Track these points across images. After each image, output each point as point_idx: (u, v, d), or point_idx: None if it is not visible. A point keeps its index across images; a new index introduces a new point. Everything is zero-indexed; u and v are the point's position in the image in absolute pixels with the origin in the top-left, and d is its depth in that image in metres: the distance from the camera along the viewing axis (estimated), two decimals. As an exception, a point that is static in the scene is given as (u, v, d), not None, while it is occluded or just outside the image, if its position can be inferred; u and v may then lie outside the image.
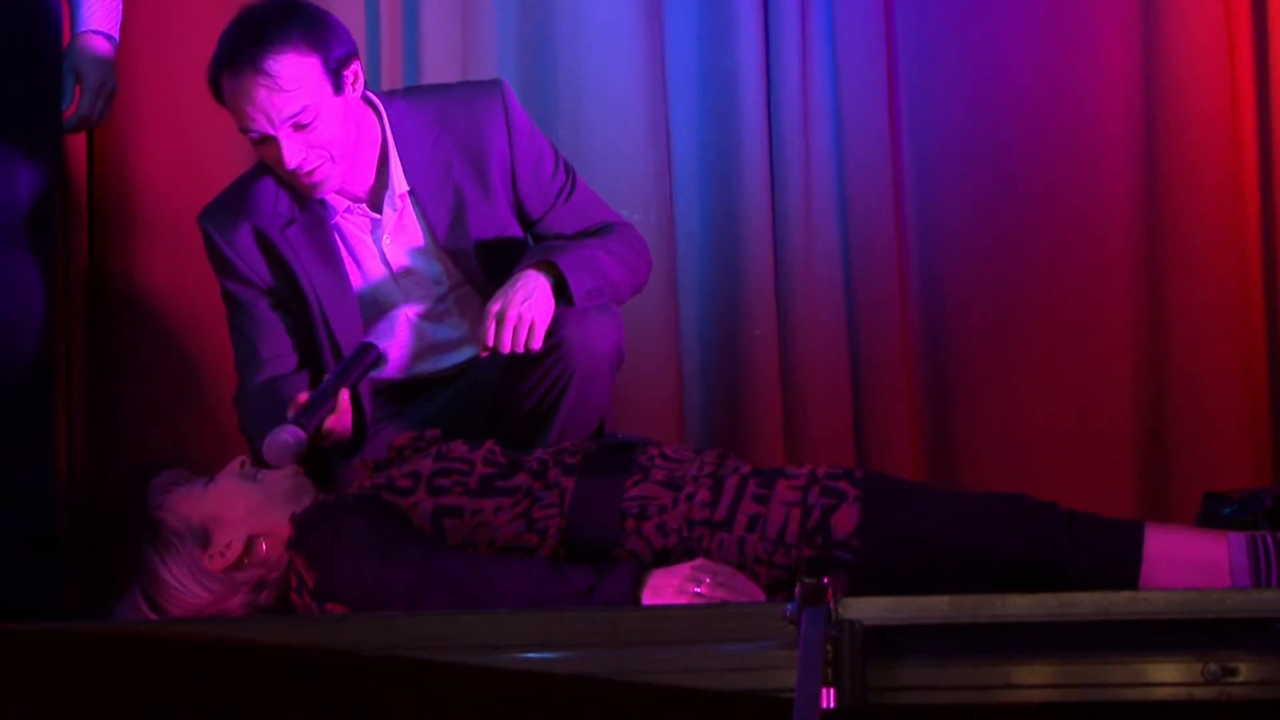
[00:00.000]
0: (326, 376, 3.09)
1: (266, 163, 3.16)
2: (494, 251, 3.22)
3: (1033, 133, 3.93)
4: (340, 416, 3.05)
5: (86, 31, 3.30)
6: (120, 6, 3.36)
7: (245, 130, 3.09)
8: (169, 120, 3.85)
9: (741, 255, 3.92)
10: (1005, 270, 3.93)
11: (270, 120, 3.05)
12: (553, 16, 3.99)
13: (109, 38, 3.33)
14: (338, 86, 3.10)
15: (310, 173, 3.10)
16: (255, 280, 3.23)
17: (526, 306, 3.00)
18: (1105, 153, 3.91)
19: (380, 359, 3.13)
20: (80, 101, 3.30)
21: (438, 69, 3.89)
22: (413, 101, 3.25)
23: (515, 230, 3.26)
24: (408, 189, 3.20)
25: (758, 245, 3.92)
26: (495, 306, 3.01)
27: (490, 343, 3.00)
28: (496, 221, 3.23)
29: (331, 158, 3.11)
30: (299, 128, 3.06)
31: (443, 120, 3.22)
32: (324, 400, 3.02)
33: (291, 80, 3.04)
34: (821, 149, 3.93)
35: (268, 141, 3.08)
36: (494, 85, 3.28)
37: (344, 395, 3.06)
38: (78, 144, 3.76)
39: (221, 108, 3.12)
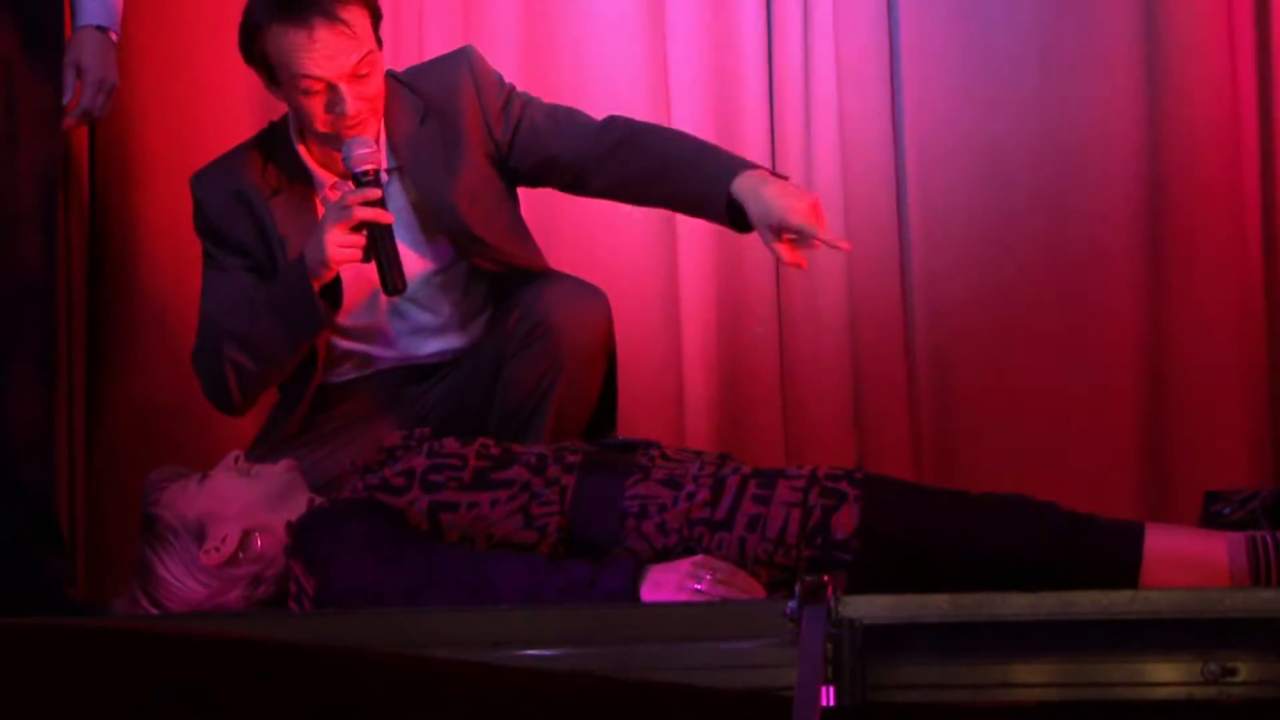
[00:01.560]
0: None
1: (304, 119, 3.16)
2: (480, 222, 3.23)
3: (1034, 132, 3.93)
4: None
5: (88, 25, 3.31)
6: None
7: (299, 77, 3.10)
8: (171, 115, 3.86)
9: (742, 254, 3.91)
10: (1006, 269, 3.93)
11: (340, 67, 3.10)
12: (555, 16, 3.99)
13: (110, 31, 3.33)
14: (380, 42, 3.18)
15: (356, 125, 3.14)
16: (234, 242, 3.25)
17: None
18: (1107, 152, 3.90)
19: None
20: (81, 96, 3.31)
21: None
22: (397, 82, 3.27)
23: (506, 201, 3.29)
24: (395, 165, 3.23)
25: (759, 244, 3.91)
26: (805, 218, 3.07)
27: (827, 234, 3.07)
28: (487, 194, 3.25)
29: (375, 111, 3.18)
30: (359, 76, 3.12)
31: (425, 98, 3.25)
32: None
33: (360, 29, 3.12)
34: (823, 148, 3.92)
35: (329, 90, 3.11)
36: (461, 52, 3.32)
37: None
38: (79, 134, 3.76)
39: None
